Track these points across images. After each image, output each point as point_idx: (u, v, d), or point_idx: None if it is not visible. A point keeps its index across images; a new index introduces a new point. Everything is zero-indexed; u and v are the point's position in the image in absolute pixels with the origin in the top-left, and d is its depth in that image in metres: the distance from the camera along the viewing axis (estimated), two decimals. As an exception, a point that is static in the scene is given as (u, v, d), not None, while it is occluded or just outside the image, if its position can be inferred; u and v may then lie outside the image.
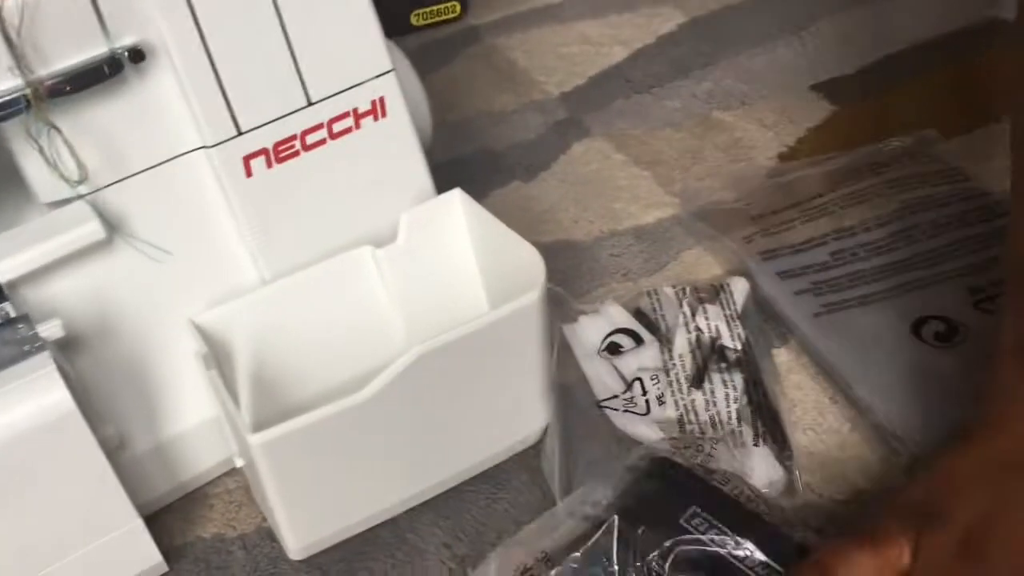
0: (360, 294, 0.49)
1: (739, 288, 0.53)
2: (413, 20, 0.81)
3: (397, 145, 0.49)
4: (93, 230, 0.41)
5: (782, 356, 0.52)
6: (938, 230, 0.55)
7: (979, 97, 0.68)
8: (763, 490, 0.43)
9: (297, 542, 0.45)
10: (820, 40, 0.74)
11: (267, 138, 0.45)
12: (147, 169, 0.43)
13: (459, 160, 0.67)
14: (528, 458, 0.49)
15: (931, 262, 0.53)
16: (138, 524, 0.43)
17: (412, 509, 0.47)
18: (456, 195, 0.50)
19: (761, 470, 0.45)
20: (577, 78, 0.74)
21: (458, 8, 0.82)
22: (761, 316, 0.53)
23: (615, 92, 0.72)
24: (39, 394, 0.38)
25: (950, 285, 0.51)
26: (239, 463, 0.46)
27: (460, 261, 0.51)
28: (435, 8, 0.81)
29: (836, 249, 0.55)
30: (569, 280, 0.58)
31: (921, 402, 0.46)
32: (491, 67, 0.77)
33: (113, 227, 0.43)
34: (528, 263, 0.45)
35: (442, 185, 0.51)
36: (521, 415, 0.48)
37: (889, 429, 0.46)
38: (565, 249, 0.60)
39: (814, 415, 0.49)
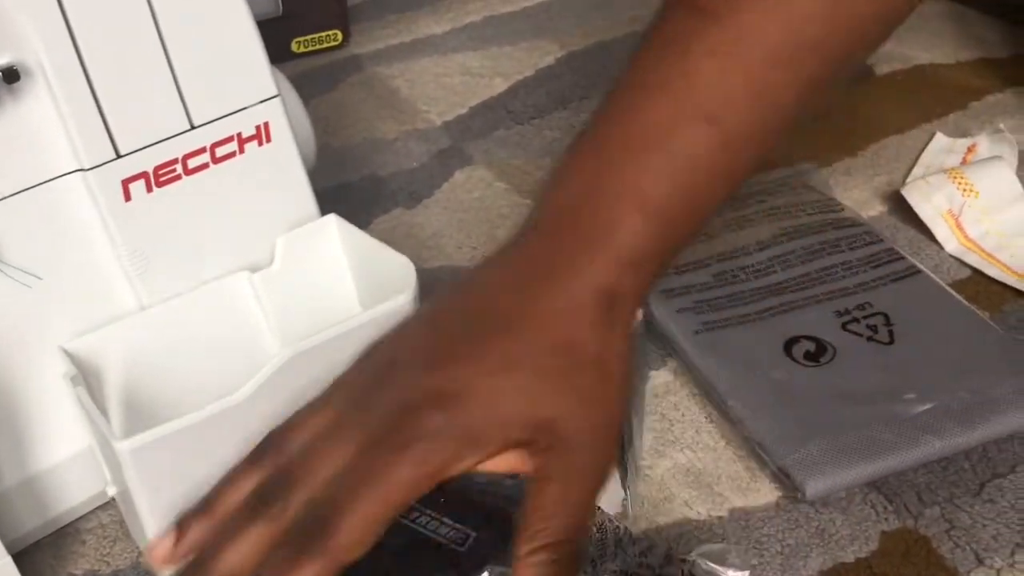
0: (238, 318, 0.49)
1: None
2: (294, 47, 0.81)
3: (281, 170, 0.49)
4: (-40, 254, 0.40)
5: (661, 377, 0.53)
6: (811, 256, 0.58)
7: (843, 130, 0.72)
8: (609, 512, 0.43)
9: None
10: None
11: (147, 162, 0.44)
12: (20, 192, 0.42)
13: (343, 186, 0.67)
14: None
15: (803, 285, 0.56)
16: (6, 562, 0.41)
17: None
18: (332, 219, 0.50)
19: (608, 492, 0.45)
20: (459, 107, 0.75)
21: (340, 36, 0.82)
22: (646, 335, 0.55)
23: (496, 122, 0.73)
24: (-100, 426, 0.36)
25: (820, 308, 0.54)
26: (111, 492, 0.44)
27: (336, 282, 0.51)
28: (317, 36, 0.81)
29: (718, 271, 0.57)
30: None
31: (789, 417, 0.49)
32: (374, 95, 0.77)
33: (-18, 251, 0.41)
34: (400, 271, 0.46)
35: (327, 211, 0.51)
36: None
37: (757, 440, 0.48)
38: (448, 274, 0.60)
39: (692, 434, 0.51)
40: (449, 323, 0.34)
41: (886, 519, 0.46)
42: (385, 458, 0.30)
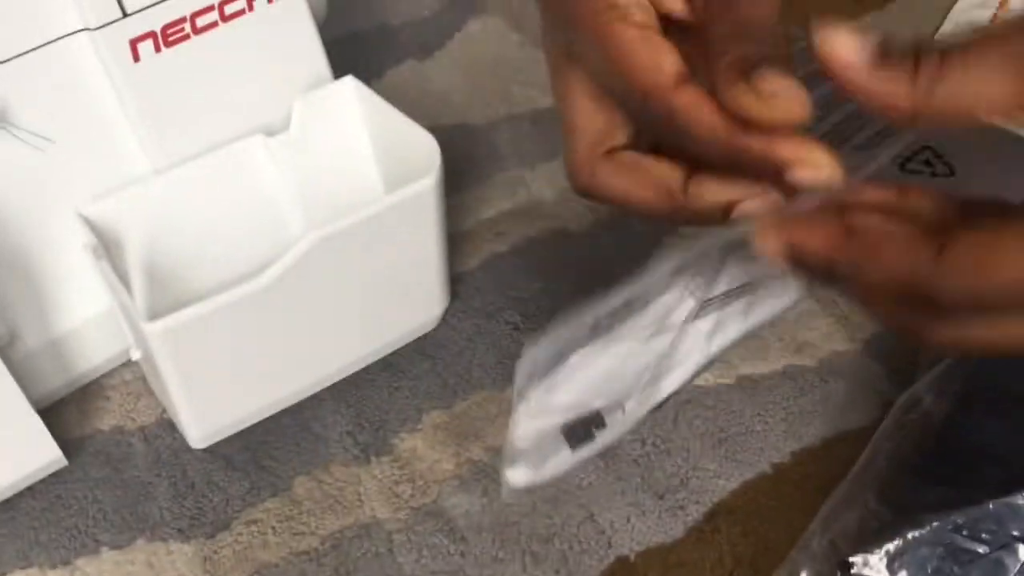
0: (254, 183, 0.48)
1: None
2: None
3: (291, 27, 0.47)
4: (-30, 120, 0.39)
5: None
6: (830, 105, 0.56)
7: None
8: None
9: (198, 431, 0.45)
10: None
11: (155, 20, 0.43)
12: (26, 53, 0.41)
13: (353, 36, 0.65)
14: (426, 345, 0.50)
15: (844, 135, 0.54)
16: (34, 420, 0.42)
17: (314, 397, 0.47)
18: (349, 82, 0.49)
19: None
20: (473, -50, 0.72)
21: None
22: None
23: (511, -34, 0.71)
24: (-76, 295, 0.37)
25: (873, 156, 0.53)
26: (135, 355, 0.45)
27: (355, 149, 0.50)
28: None
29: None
30: (466, 165, 0.58)
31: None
32: (382, -65, 0.74)
33: (-9, 115, 0.41)
34: (423, 149, 0.45)
35: (337, 64, 0.49)
36: (419, 301, 0.49)
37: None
38: (461, 133, 0.60)
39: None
40: None
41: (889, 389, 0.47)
42: None
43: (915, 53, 0.26)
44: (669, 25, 0.32)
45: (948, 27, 0.65)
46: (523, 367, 0.29)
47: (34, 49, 0.41)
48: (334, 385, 0.48)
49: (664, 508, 0.44)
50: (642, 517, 0.43)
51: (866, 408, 0.46)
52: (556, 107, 0.35)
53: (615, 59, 0.31)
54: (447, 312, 0.50)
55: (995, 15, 0.66)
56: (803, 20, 0.67)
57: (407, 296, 0.48)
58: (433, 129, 0.45)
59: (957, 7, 0.66)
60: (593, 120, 0.33)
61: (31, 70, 0.41)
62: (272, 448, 0.46)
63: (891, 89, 0.26)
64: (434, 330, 0.50)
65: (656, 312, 0.28)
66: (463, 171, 0.57)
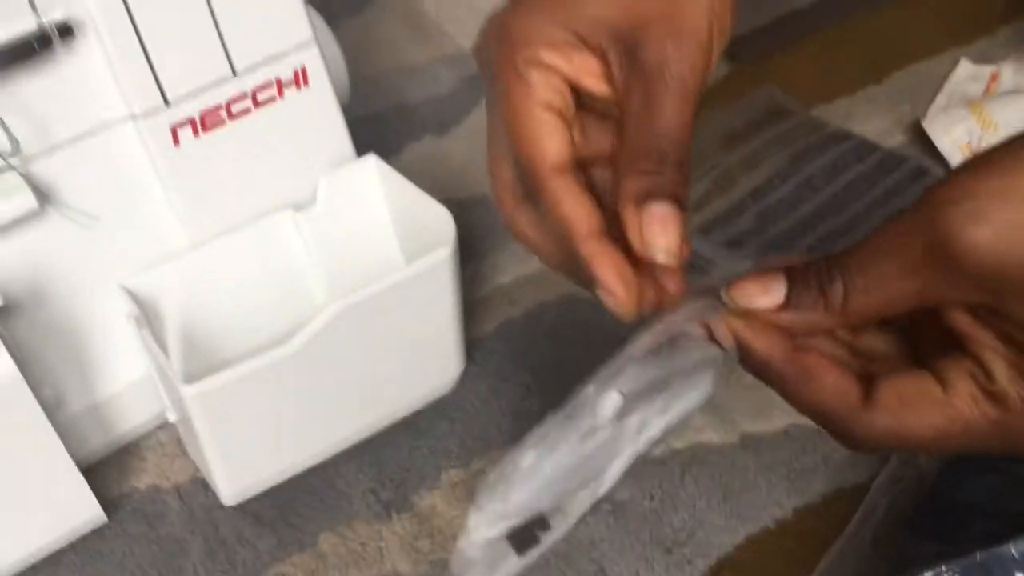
0: (282, 255, 0.51)
1: None
2: (324, -33, 0.81)
3: (318, 112, 0.51)
4: (26, 201, 0.43)
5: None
6: (830, 175, 0.58)
7: (868, 57, 0.72)
8: None
9: (230, 488, 0.48)
10: None
11: (194, 108, 0.46)
12: (76, 139, 0.45)
13: (374, 115, 0.69)
14: (444, 406, 0.52)
15: (841, 205, 0.56)
16: (78, 479, 0.45)
17: (339, 457, 0.50)
18: (371, 160, 0.52)
19: None
20: (487, 31, 0.76)
21: (369, -44, 0.82)
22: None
23: (524, 47, 0.74)
24: (-18, 362, 0.40)
25: (871, 225, 0.55)
26: (171, 417, 0.48)
27: (376, 222, 0.53)
28: (346, -44, 0.81)
29: (758, 211, 0.58)
30: (482, 235, 0.61)
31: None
32: (402, 18, 0.78)
33: (44, 196, 0.44)
34: (440, 222, 0.48)
35: (359, 141, 0.53)
36: (437, 365, 0.51)
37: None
38: (477, 205, 0.63)
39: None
40: None
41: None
42: None
43: (817, 281, 0.30)
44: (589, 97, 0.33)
45: (943, 99, 0.68)
46: (487, 480, 0.31)
47: (83, 135, 0.45)
48: (357, 444, 0.50)
49: (672, 562, 0.46)
50: (650, 571, 0.45)
51: (865, 466, 0.48)
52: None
53: (511, 131, 0.32)
54: (464, 375, 0.53)
55: (987, 88, 0.69)
56: (789, 89, 0.70)
57: (426, 360, 0.51)
58: (450, 201, 0.48)
59: (951, 80, 0.70)
60: (510, 170, 0.34)
61: (79, 154, 0.45)
62: (299, 505, 0.48)
63: (810, 321, 0.30)
64: (452, 392, 0.53)
65: (590, 412, 0.31)
66: (479, 241, 0.60)
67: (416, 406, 0.52)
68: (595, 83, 0.33)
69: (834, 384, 0.30)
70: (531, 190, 0.33)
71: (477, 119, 0.69)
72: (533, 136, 0.32)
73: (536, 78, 0.32)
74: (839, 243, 0.55)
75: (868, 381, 0.30)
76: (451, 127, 0.68)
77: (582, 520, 0.43)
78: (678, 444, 0.50)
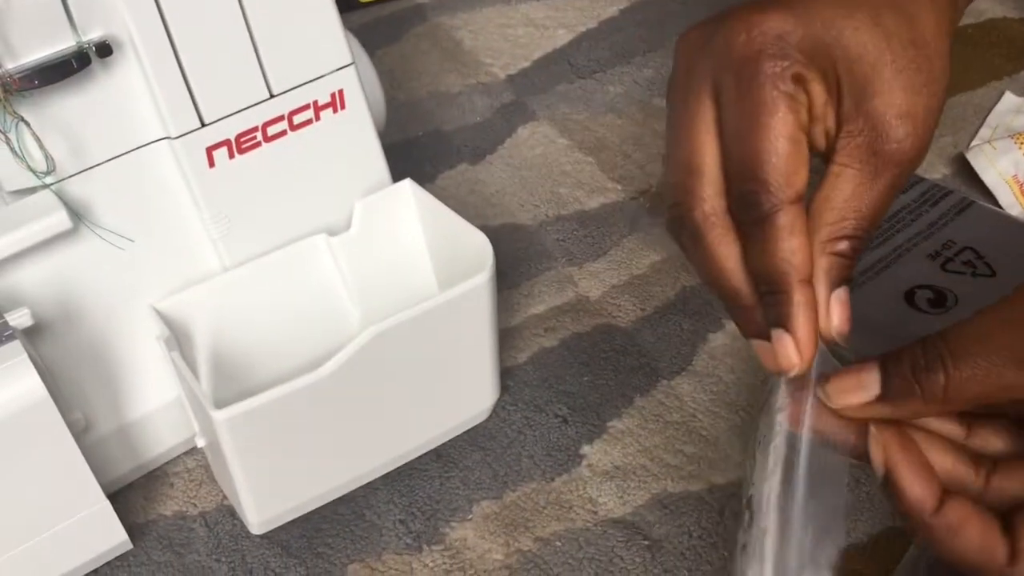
0: (316, 280, 0.51)
1: None
2: (360, -3, 0.82)
3: (355, 136, 0.50)
4: (60, 220, 0.42)
5: (719, 340, 0.55)
6: None
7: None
8: None
9: (258, 517, 0.47)
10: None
11: (230, 130, 0.46)
12: (111, 159, 0.44)
13: (410, 142, 0.69)
14: (477, 436, 0.51)
15: (884, 237, 0.56)
16: (104, 504, 0.44)
17: (369, 486, 0.49)
18: (407, 185, 0.52)
19: None
20: (522, 60, 0.76)
21: (405, -15, 0.82)
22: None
23: (559, 76, 0.74)
24: (11, 382, 0.39)
25: (913, 256, 0.54)
26: (200, 443, 0.47)
27: (411, 247, 0.53)
28: (382, -14, 0.82)
29: None
30: (516, 263, 0.60)
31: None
32: (437, 46, 0.78)
33: (78, 216, 0.44)
34: (476, 248, 0.47)
35: (394, 167, 0.52)
36: (470, 394, 0.50)
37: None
38: (512, 233, 0.62)
39: (747, 396, 0.52)
40: None
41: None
42: None
43: (912, 370, 0.30)
44: None
45: (986, 132, 0.67)
46: None
47: (119, 156, 0.45)
48: (388, 474, 0.49)
49: (711, 601, 0.44)
50: (689, 610, 0.44)
51: (912, 504, 0.47)
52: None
53: (755, 146, 0.32)
54: (498, 404, 0.52)
55: (1032, 120, 0.67)
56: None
57: (459, 389, 0.50)
58: (485, 229, 0.48)
59: (995, 112, 0.68)
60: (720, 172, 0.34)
61: (115, 175, 0.45)
62: (327, 535, 0.47)
63: (908, 411, 0.30)
64: (485, 422, 0.52)
65: None
66: (513, 269, 0.59)
67: (449, 436, 0.51)
68: (830, 116, 0.33)
69: (980, 539, 0.30)
70: (748, 208, 0.32)
71: (511, 147, 0.68)
72: (782, 164, 0.32)
73: (799, 101, 0.32)
74: (883, 274, 0.54)
75: (1012, 533, 0.30)
76: (485, 155, 0.68)
77: (617, 557, 0.42)
78: (718, 479, 0.48)
